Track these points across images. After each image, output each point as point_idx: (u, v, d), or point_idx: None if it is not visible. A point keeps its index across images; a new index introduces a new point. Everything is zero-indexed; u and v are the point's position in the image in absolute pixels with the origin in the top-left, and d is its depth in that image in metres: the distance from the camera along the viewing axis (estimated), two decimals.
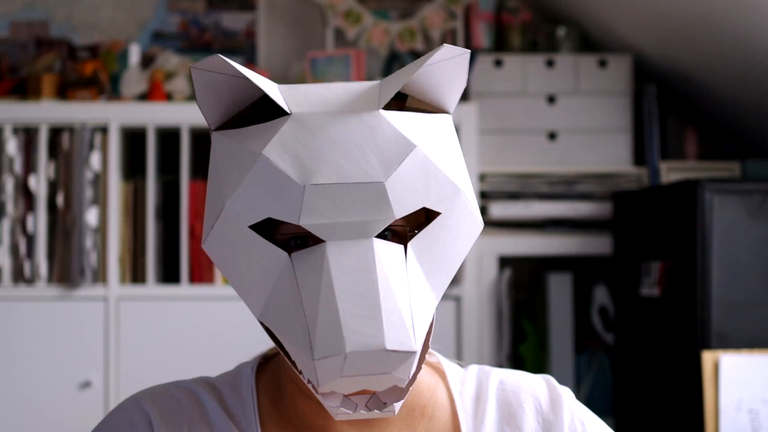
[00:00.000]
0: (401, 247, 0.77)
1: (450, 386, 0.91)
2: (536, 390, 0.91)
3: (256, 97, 0.81)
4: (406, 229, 0.79)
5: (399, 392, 0.75)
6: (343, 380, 0.70)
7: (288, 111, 0.77)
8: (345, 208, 0.74)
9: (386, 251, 0.75)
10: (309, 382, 0.75)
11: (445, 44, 0.78)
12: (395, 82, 0.79)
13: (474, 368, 0.94)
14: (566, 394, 0.92)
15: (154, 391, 0.90)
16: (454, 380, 0.92)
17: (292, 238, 0.77)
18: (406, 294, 0.74)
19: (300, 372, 0.76)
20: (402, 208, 0.75)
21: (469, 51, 0.80)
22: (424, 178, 0.77)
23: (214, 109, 0.80)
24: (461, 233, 0.81)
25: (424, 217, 0.81)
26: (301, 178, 0.74)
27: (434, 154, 0.78)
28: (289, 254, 0.76)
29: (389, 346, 0.69)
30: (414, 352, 0.71)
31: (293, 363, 0.77)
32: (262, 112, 0.82)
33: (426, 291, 0.77)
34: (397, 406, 0.75)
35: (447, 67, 0.80)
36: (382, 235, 0.76)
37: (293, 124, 0.77)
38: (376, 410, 0.75)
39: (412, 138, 0.77)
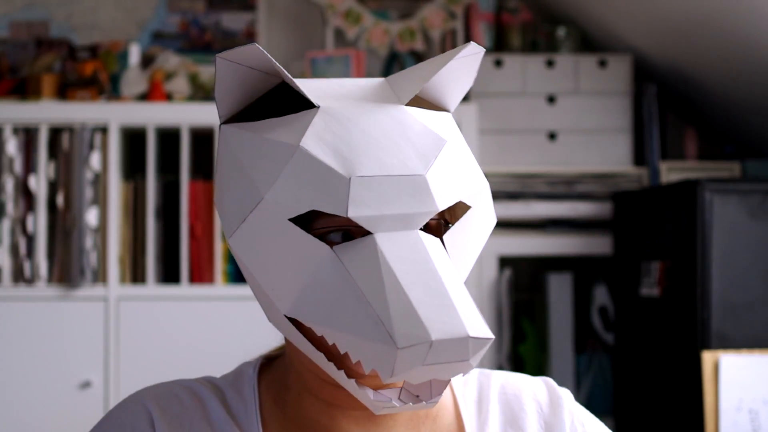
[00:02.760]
0: (439, 239, 0.77)
1: (453, 388, 0.91)
2: (537, 393, 0.92)
3: (267, 90, 0.81)
4: (440, 222, 0.80)
5: (442, 384, 0.76)
6: (422, 369, 0.70)
7: (316, 104, 0.77)
8: (390, 201, 0.74)
9: (432, 243, 0.75)
10: (350, 377, 0.75)
11: (471, 42, 0.79)
12: (415, 81, 0.79)
13: (474, 371, 0.94)
14: (566, 395, 0.92)
15: (156, 389, 0.89)
16: (457, 382, 0.92)
17: (330, 232, 0.76)
18: (461, 283, 0.74)
19: (342, 366, 0.76)
20: (443, 200, 0.76)
21: (484, 49, 0.81)
22: (457, 173, 0.78)
23: (230, 100, 0.80)
24: (483, 227, 0.82)
25: (448, 211, 0.81)
26: (345, 170, 0.74)
27: (459, 150, 0.80)
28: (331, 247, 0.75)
29: (472, 333, 0.69)
30: (491, 339, 0.71)
31: (332, 358, 0.76)
32: (267, 104, 0.81)
33: None
34: (440, 397, 0.76)
35: (460, 66, 0.81)
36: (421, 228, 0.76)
37: (324, 116, 0.77)
38: (423, 401, 0.75)
39: (440, 133, 0.78)
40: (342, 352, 0.74)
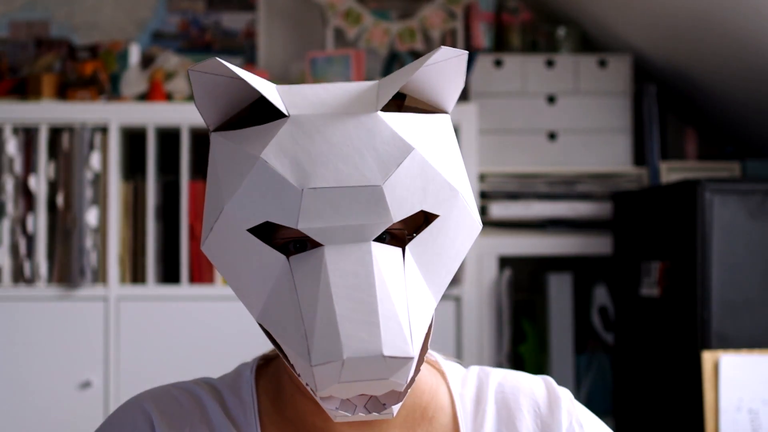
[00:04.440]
0: (399, 250, 0.76)
1: (451, 388, 0.91)
2: (535, 392, 0.91)
3: (253, 98, 0.81)
4: (404, 232, 0.79)
5: (397, 395, 0.75)
6: (341, 386, 0.70)
7: (286, 113, 0.77)
8: (343, 212, 0.74)
9: (384, 255, 0.75)
10: (307, 384, 0.75)
11: (443, 46, 0.78)
12: (393, 84, 0.79)
13: (475, 369, 0.94)
14: (565, 395, 0.92)
15: (155, 392, 0.90)
16: (454, 381, 0.92)
17: (290, 242, 0.77)
18: (403, 298, 0.74)
19: (299, 375, 0.76)
20: (400, 211, 0.75)
21: (467, 52, 0.80)
22: (422, 181, 0.77)
23: (212, 110, 0.81)
24: (459, 235, 0.81)
25: (422, 219, 0.81)
26: (299, 181, 0.74)
27: (432, 156, 0.78)
28: (288, 257, 0.76)
29: (386, 352, 0.69)
30: (411, 358, 0.71)
31: (292, 366, 0.77)
32: (260, 112, 0.82)
33: (425, 293, 0.77)
34: (395, 408, 0.75)
35: (445, 68, 0.80)
36: (380, 239, 0.76)
37: (291, 126, 0.77)
38: (374, 413, 0.75)
39: (410, 140, 0.77)
40: (291, 362, 0.75)
